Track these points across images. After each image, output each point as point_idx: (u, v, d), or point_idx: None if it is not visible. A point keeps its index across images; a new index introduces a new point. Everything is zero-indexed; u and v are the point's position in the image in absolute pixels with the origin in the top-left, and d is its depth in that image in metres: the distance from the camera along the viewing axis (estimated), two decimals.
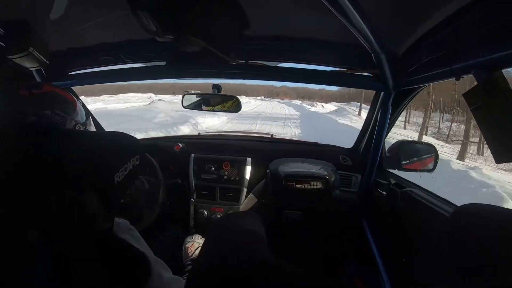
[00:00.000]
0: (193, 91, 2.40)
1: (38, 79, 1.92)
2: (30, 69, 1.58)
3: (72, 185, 0.81)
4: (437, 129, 32.18)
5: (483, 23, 1.02)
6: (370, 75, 1.90)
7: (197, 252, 1.81)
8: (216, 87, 2.30)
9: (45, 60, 1.48)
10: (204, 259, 0.93)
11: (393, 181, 2.22)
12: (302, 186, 2.39)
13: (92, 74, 2.15)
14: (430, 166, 2.16)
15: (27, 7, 1.38)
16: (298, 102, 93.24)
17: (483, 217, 0.99)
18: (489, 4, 0.98)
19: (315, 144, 3.21)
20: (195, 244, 1.92)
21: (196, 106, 2.42)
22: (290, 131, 18.42)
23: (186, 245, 1.93)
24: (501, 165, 13.51)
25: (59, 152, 0.83)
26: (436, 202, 1.71)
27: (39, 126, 0.95)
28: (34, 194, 0.77)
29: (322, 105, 60.52)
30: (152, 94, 48.14)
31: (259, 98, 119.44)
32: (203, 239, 1.94)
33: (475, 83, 1.07)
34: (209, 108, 2.42)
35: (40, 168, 0.79)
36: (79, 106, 1.10)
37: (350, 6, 1.07)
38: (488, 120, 1.04)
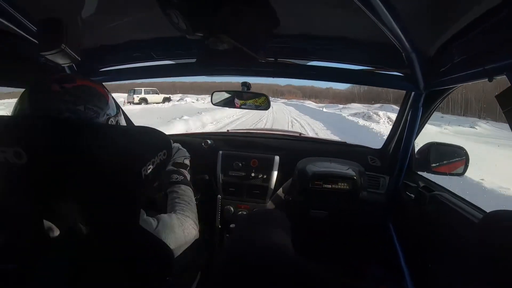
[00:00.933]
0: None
1: None
2: (62, 65, 1.62)
3: (100, 178, 0.83)
4: None
5: None
6: (401, 74, 1.87)
7: None
8: (246, 84, 2.31)
9: (77, 57, 1.52)
10: (230, 255, 0.94)
11: (422, 184, 2.18)
12: (330, 186, 2.37)
13: (123, 70, 2.19)
14: (460, 170, 2.11)
15: (60, 5, 1.42)
16: (314, 104, 58.38)
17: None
18: None
19: (343, 144, 3.19)
20: None
21: (226, 104, 2.43)
22: None
23: None
24: None
25: (88, 147, 0.85)
26: (465, 207, 1.67)
27: (72, 121, 0.97)
28: (65, 184, 0.79)
29: (389, 118, 21.72)
30: None
31: None
32: None
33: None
34: (239, 105, 2.43)
35: (69, 163, 0.81)
36: (110, 99, 1.12)
37: (381, 5, 1.06)
38: None
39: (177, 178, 1.59)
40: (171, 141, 1.29)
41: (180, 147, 1.82)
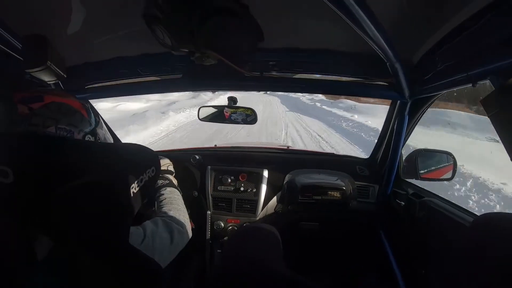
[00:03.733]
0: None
1: None
2: (48, 82, 1.60)
3: (89, 195, 0.82)
4: None
5: (499, 28, 1.01)
6: (386, 84, 1.89)
7: None
8: (232, 99, 2.32)
9: (62, 74, 1.50)
10: (221, 271, 0.93)
11: (411, 191, 2.19)
12: (319, 197, 2.38)
13: (109, 87, 2.19)
14: (449, 175, 2.13)
15: (45, 22, 1.42)
16: None
17: (503, 226, 0.98)
18: (503, 9, 0.97)
19: (331, 155, 3.20)
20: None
21: (212, 119, 2.43)
22: None
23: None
24: None
25: (76, 164, 0.84)
26: (455, 212, 1.69)
27: (56, 138, 0.95)
28: (52, 203, 0.78)
29: None
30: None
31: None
32: None
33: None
34: (225, 121, 2.42)
35: (58, 178, 0.80)
36: (87, 113, 1.09)
37: (364, 16, 1.07)
38: (506, 127, 1.02)
39: (162, 182, 1.62)
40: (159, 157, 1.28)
41: (161, 156, 1.82)
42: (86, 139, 1.05)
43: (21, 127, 0.93)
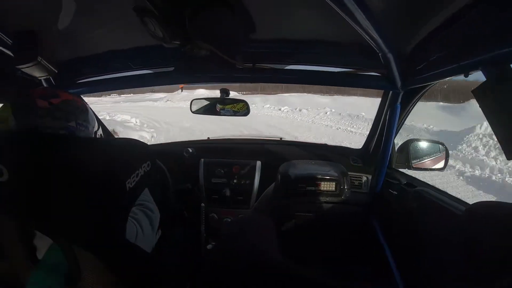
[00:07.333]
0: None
1: None
2: (39, 78, 1.59)
3: (85, 191, 0.82)
4: None
5: (490, 18, 1.02)
6: (378, 74, 1.90)
7: None
8: (224, 91, 2.31)
9: (53, 69, 1.50)
10: (216, 261, 0.93)
11: (404, 181, 2.21)
12: (313, 188, 2.39)
13: (101, 81, 2.17)
14: (441, 165, 2.14)
15: (35, 17, 1.40)
16: None
17: (496, 215, 0.99)
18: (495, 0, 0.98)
19: (324, 146, 3.20)
20: None
21: (205, 111, 2.42)
22: None
23: None
24: None
25: (72, 161, 0.84)
26: (448, 201, 1.70)
27: (55, 135, 0.95)
28: (48, 200, 0.78)
29: None
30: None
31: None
32: None
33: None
34: (218, 113, 2.41)
35: (54, 176, 0.80)
36: (90, 111, 1.11)
37: (356, 6, 1.07)
38: (497, 117, 1.03)
39: None
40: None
41: None
42: (97, 136, 1.09)
43: (44, 120, 0.94)
